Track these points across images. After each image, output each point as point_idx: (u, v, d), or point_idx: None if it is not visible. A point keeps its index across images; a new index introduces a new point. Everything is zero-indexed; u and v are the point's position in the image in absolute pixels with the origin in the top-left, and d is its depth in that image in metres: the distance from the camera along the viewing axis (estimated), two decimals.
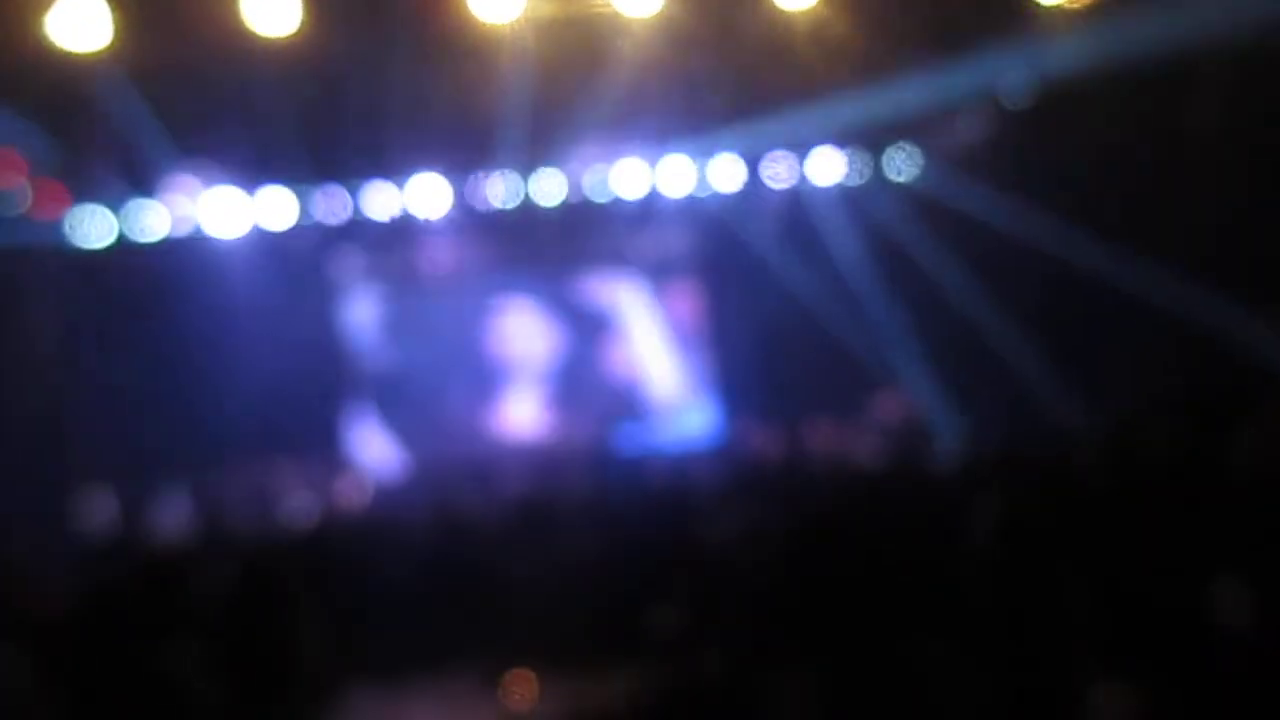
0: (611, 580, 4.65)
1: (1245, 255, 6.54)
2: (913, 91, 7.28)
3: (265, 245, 8.10)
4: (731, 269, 8.70)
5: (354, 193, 8.13)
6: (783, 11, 6.02)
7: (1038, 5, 6.27)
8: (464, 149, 7.70)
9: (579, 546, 4.96)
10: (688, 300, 8.94)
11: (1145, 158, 6.99)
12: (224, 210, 7.93)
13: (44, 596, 4.02)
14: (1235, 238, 6.59)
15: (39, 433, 7.15)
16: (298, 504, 6.55)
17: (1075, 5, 6.27)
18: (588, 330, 8.78)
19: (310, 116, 6.80)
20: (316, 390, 8.28)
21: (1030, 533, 3.54)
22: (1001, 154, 7.82)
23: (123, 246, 7.90)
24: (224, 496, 7.08)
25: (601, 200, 8.33)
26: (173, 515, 6.65)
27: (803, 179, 8.51)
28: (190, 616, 3.62)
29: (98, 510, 6.96)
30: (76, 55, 5.52)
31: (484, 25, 5.65)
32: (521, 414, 8.67)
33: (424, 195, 8.11)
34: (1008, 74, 7.39)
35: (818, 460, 6.90)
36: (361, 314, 8.69)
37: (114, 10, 5.43)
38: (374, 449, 8.48)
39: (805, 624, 3.73)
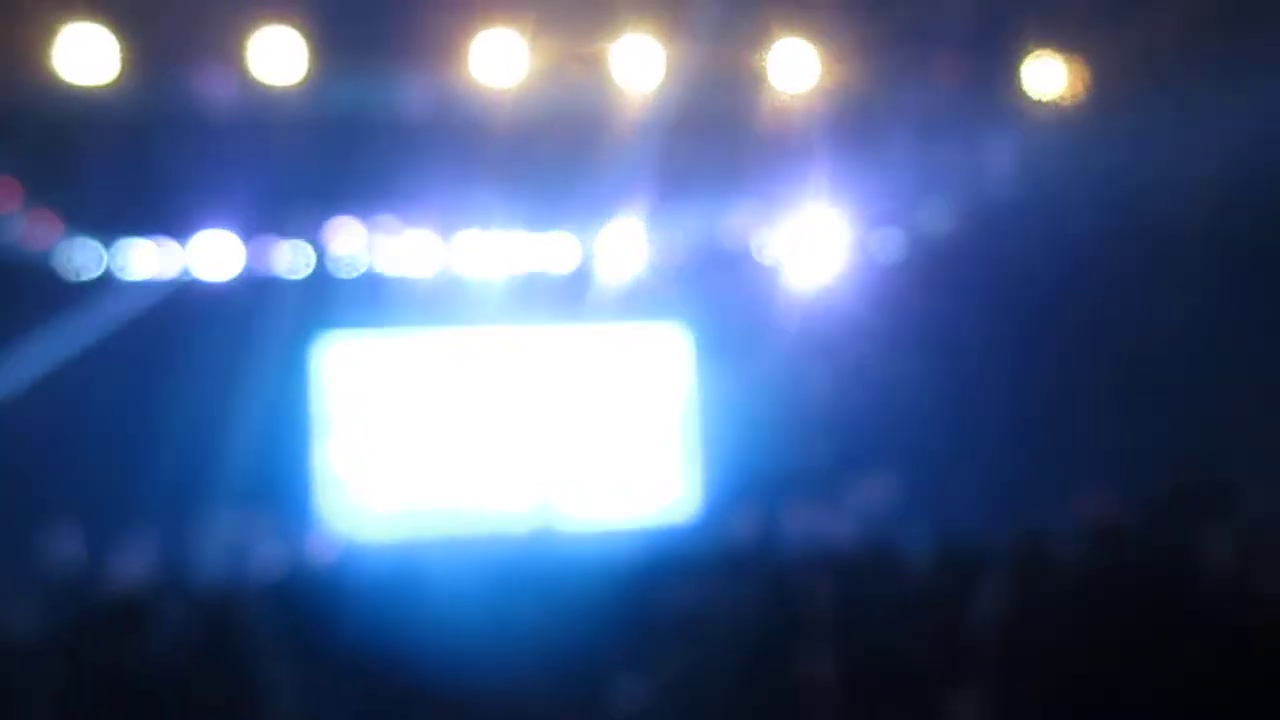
0: (578, 652, 4.60)
1: (1218, 354, 6.63)
2: (899, 177, 7.39)
3: (251, 291, 8.08)
4: (716, 342, 8.72)
5: (344, 243, 8.14)
6: (781, 91, 6.11)
7: (1027, 98, 6.39)
8: (457, 207, 7.74)
9: (545, 615, 4.91)
10: (669, 369, 8.94)
11: (1124, 254, 7.09)
12: (214, 253, 7.92)
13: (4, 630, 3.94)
14: (1209, 337, 6.69)
15: (7, 464, 7.07)
16: (266, 554, 6.46)
17: (1063, 102, 6.40)
18: (565, 391, 8.76)
19: (311, 166, 6.83)
20: (291, 439, 8.22)
21: (1008, 623, 3.53)
22: (980, 244, 7.92)
23: (109, 282, 7.88)
24: (192, 543, 6.99)
25: (593, 263, 8.36)
26: (138, 559, 6.55)
27: (789, 256, 8.57)
28: (151, 662, 3.56)
29: (62, 548, 6.86)
30: (80, 88, 5.54)
31: (487, 87, 5.71)
32: (492, 471, 8.62)
33: (415, 250, 8.13)
34: (992, 164, 7.51)
35: (793, 542, 6.86)
36: (340, 362, 8.65)
37: (121, 46, 5.46)
38: (345, 501, 8.40)
39: (775, 703, 3.70)
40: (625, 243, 8.30)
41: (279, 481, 8.03)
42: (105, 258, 7.89)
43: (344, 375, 8.60)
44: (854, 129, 6.67)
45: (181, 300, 8.00)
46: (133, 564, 6.24)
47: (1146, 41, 5.73)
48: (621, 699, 4.29)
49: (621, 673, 4.26)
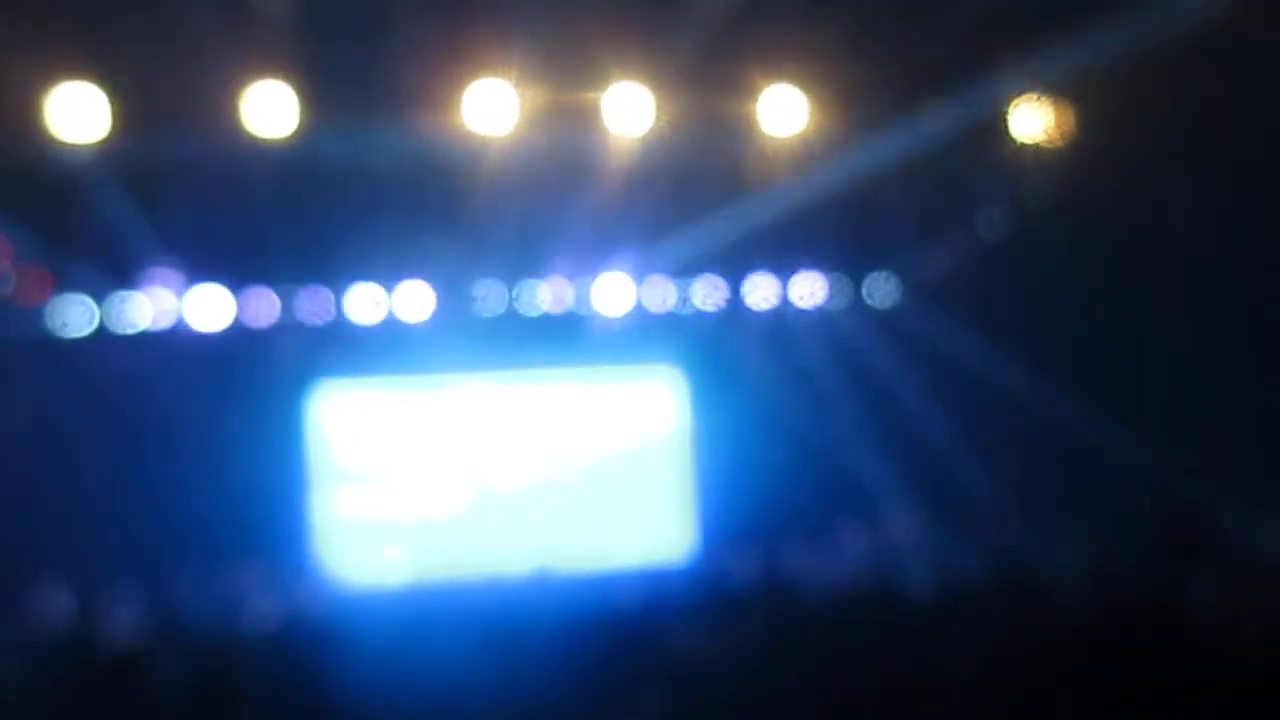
0: (578, 697, 4.56)
1: (1215, 399, 6.65)
2: (893, 219, 7.44)
3: (244, 343, 8.08)
4: (710, 386, 8.72)
5: (339, 294, 8.16)
6: (770, 136, 6.17)
7: (1016, 141, 6.45)
8: (452, 257, 7.77)
9: (543, 661, 4.87)
10: (664, 413, 8.93)
11: (1118, 297, 7.14)
12: (205, 306, 7.94)
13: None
14: (1205, 382, 6.72)
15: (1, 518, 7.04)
16: (262, 604, 6.42)
17: (1052, 144, 6.46)
18: (560, 436, 8.74)
19: (300, 218, 6.86)
20: (287, 489, 8.19)
21: (1006, 664, 3.52)
22: (977, 286, 7.96)
23: (101, 337, 7.88)
24: (185, 595, 6.94)
25: (582, 312, 8.38)
26: (130, 613, 6.51)
27: (785, 301, 8.60)
28: (146, 715, 3.53)
29: (53, 604, 6.81)
30: (71, 145, 5.58)
31: (478, 137, 5.76)
32: (489, 517, 8.58)
33: (409, 300, 8.15)
34: (986, 206, 7.56)
35: (790, 582, 6.83)
36: (337, 414, 8.63)
37: (113, 103, 5.51)
38: (342, 551, 8.35)
39: None
40: (618, 287, 8.33)
41: (275, 531, 7.99)
42: (98, 313, 7.90)
43: (339, 424, 8.58)
44: (841, 173, 6.72)
45: (175, 352, 7.99)
46: (128, 617, 6.19)
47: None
48: None
49: (621, 717, 4.22)
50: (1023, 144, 6.48)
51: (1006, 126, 6.44)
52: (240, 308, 8.03)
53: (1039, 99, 6.35)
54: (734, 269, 8.45)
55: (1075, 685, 3.43)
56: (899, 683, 3.75)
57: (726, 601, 5.60)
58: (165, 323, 7.97)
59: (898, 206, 7.42)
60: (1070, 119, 6.40)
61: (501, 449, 8.70)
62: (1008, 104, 6.38)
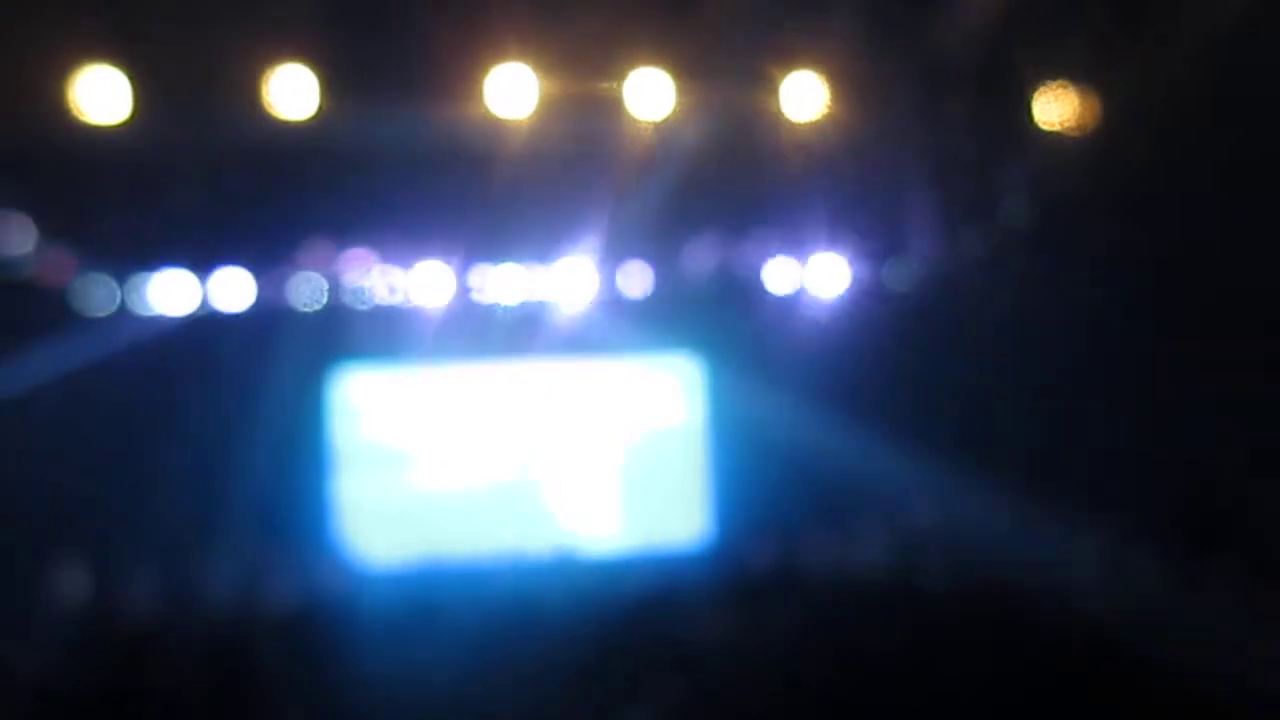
0: (593, 682, 4.59)
1: (1245, 389, 6.60)
2: (913, 205, 7.40)
3: (265, 324, 8.12)
4: (728, 371, 8.71)
5: (359, 277, 8.18)
6: (791, 123, 6.14)
7: (1039, 128, 6.41)
8: (470, 240, 7.78)
9: (559, 645, 4.90)
10: (682, 399, 8.93)
11: (1141, 285, 7.08)
12: (226, 288, 7.98)
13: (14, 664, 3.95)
14: (1232, 372, 6.66)
15: (20, 498, 7.10)
16: (280, 586, 6.47)
17: (1075, 132, 6.41)
18: (578, 422, 8.75)
19: (326, 199, 6.89)
20: (306, 471, 8.23)
21: (1022, 655, 3.51)
22: (998, 273, 7.91)
23: (123, 318, 7.92)
24: (206, 575, 6.99)
25: (602, 295, 8.39)
26: (150, 593, 6.56)
27: (803, 286, 8.58)
28: (162, 693, 3.56)
29: (73, 583, 6.87)
30: (93, 126, 5.61)
31: (498, 121, 5.76)
32: (507, 502, 8.60)
33: (427, 282, 8.17)
34: (1008, 193, 7.52)
35: (810, 570, 6.84)
36: (357, 396, 8.67)
37: (135, 86, 5.53)
38: (361, 533, 8.40)
39: None
40: (637, 272, 8.32)
41: (295, 512, 8.03)
42: (121, 293, 7.95)
43: (360, 407, 8.62)
44: (865, 160, 6.69)
45: (197, 334, 8.03)
46: (147, 596, 6.25)
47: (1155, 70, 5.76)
48: None
49: (636, 703, 4.24)
50: (1046, 131, 6.44)
51: (1030, 113, 6.40)
52: (261, 289, 8.07)
53: (1062, 86, 6.30)
54: (752, 254, 8.43)
55: (1090, 676, 3.43)
56: (915, 671, 3.76)
57: (743, 589, 5.62)
58: (187, 304, 8.01)
59: (918, 192, 7.39)
60: (1094, 106, 6.36)
61: (521, 433, 8.72)
62: (1031, 90, 6.33)
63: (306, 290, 8.18)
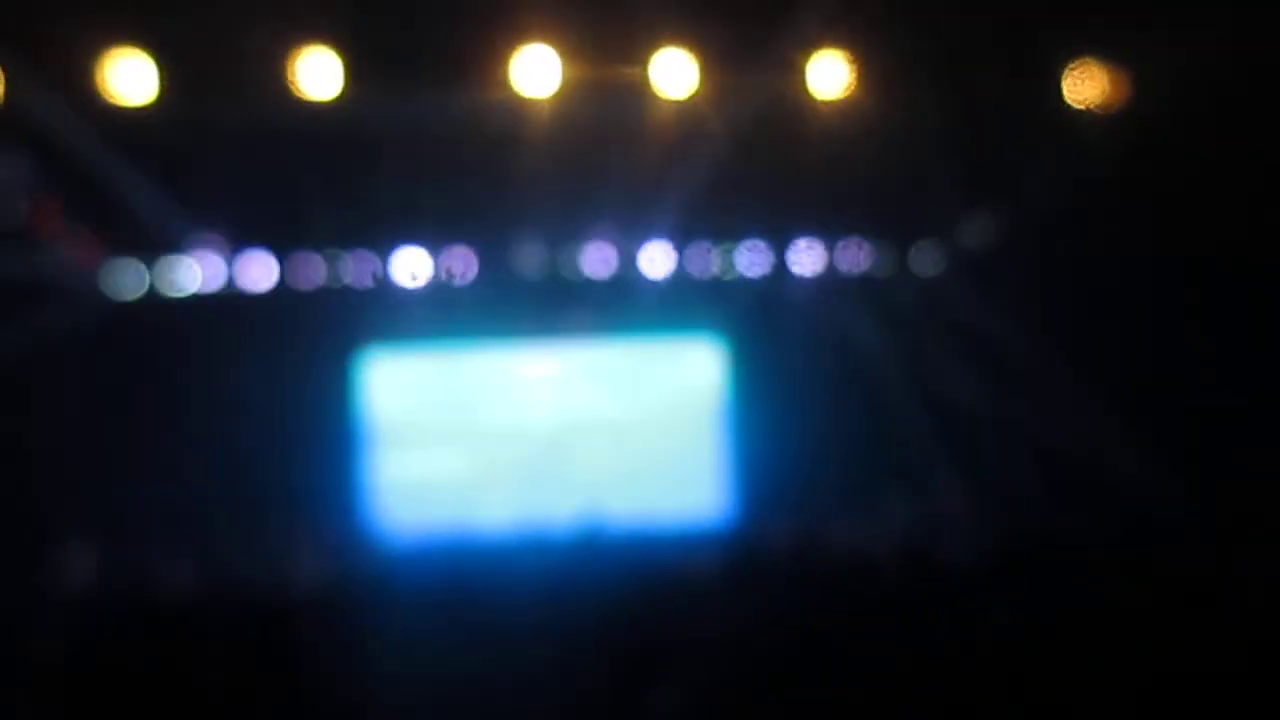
0: (608, 661, 4.61)
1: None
2: (940, 186, 7.35)
3: (292, 306, 8.17)
4: (753, 352, 8.71)
5: (384, 259, 8.22)
6: (816, 102, 6.12)
7: (1069, 109, 6.35)
8: (494, 221, 7.80)
9: (588, 623, 4.92)
10: (707, 379, 8.93)
11: (1170, 268, 7.04)
12: (252, 270, 8.03)
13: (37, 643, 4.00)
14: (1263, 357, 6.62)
15: (51, 478, 7.17)
16: (313, 564, 6.52)
17: (1105, 111, 6.36)
18: (602, 403, 8.78)
19: (345, 181, 6.91)
20: (338, 450, 8.30)
21: (1041, 630, 3.51)
22: (1019, 256, 7.88)
23: (152, 300, 7.99)
24: (239, 553, 7.06)
25: (626, 275, 8.39)
26: (181, 572, 6.63)
27: (830, 268, 8.56)
28: (197, 671, 3.60)
29: (105, 563, 6.94)
30: (120, 108, 5.64)
31: (524, 101, 5.76)
32: (534, 481, 8.64)
33: (451, 263, 8.20)
34: (1037, 175, 7.46)
35: (829, 549, 6.84)
36: (384, 376, 8.72)
37: (160, 68, 5.56)
38: (392, 511, 8.46)
39: (811, 714, 3.69)
40: (661, 253, 8.32)
41: (324, 491, 8.10)
42: (148, 276, 8.00)
43: (389, 386, 8.67)
44: (892, 141, 6.66)
45: (226, 315, 8.10)
46: (179, 575, 6.30)
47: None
48: (661, 708, 4.29)
49: (661, 682, 4.26)
50: (1075, 111, 6.38)
51: (1059, 93, 6.34)
52: (287, 272, 8.11)
53: (1092, 64, 6.25)
54: (778, 235, 8.42)
55: (1111, 649, 3.42)
56: (934, 649, 3.76)
57: (764, 566, 5.63)
58: (214, 286, 8.07)
59: (945, 173, 7.34)
60: (1125, 85, 6.30)
61: (545, 412, 8.76)
62: (1060, 69, 6.28)
63: (333, 270, 8.22)
